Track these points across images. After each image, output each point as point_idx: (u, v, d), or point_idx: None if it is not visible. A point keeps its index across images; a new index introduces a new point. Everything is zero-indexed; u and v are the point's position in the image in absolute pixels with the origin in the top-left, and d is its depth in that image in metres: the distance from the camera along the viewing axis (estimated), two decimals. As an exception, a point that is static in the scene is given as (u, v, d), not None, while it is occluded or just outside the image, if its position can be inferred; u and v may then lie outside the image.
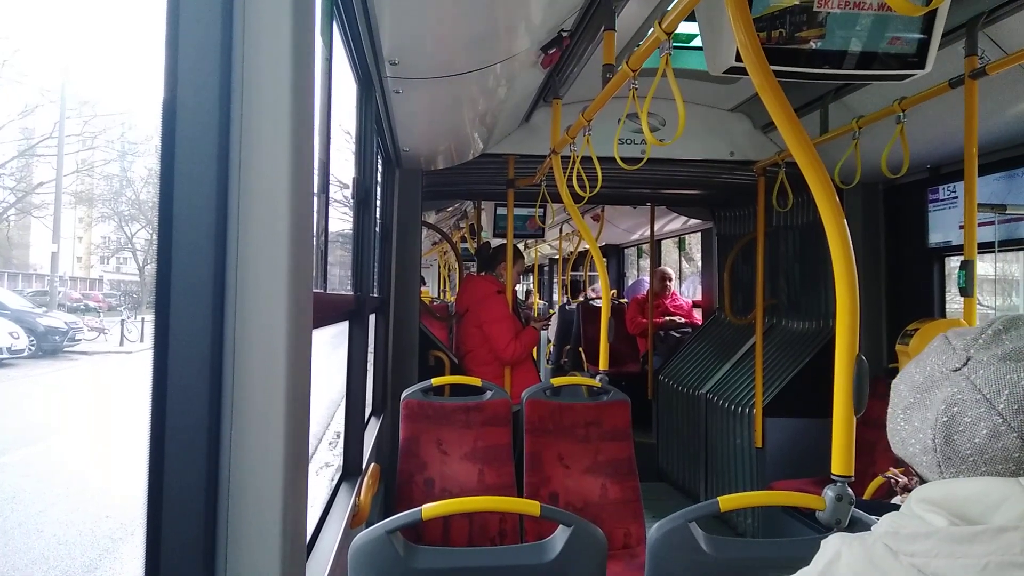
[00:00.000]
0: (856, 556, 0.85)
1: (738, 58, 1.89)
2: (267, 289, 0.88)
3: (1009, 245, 3.27)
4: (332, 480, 2.44)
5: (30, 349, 17.06)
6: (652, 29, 1.99)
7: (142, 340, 21.91)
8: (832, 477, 1.49)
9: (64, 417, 10.74)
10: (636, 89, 2.16)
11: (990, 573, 0.76)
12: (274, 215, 0.89)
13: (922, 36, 2.07)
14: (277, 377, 0.86)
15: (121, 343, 20.95)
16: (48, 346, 17.74)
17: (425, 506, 1.51)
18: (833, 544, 0.88)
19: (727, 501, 1.50)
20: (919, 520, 0.84)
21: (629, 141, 3.89)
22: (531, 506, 1.54)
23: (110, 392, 13.32)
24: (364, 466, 2.36)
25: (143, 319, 24.00)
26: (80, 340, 19.63)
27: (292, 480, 0.91)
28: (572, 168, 2.90)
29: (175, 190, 0.84)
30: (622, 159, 2.40)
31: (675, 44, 1.99)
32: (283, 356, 0.86)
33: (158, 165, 0.87)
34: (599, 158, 2.68)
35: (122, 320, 22.22)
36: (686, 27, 3.20)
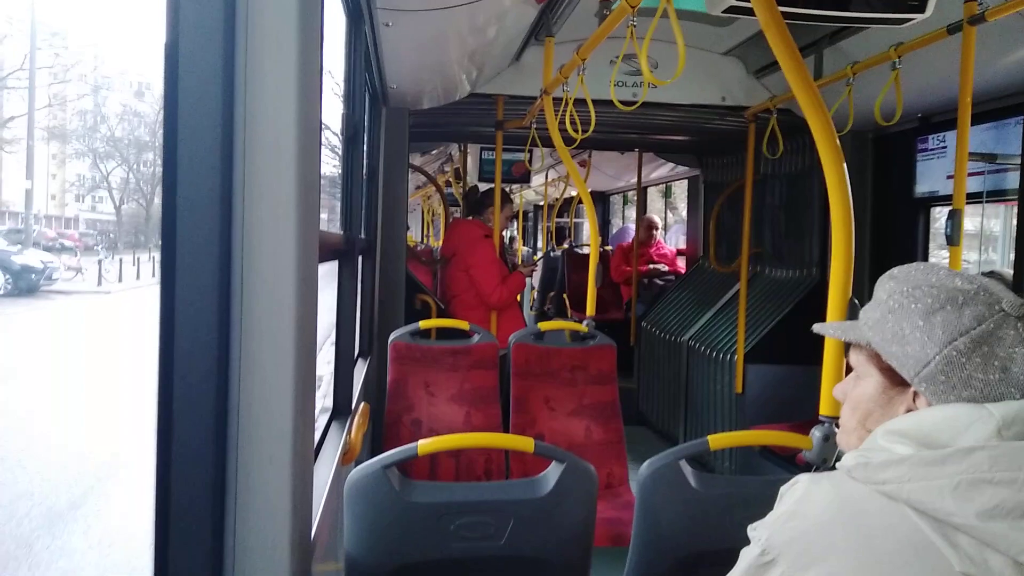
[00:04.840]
0: (825, 493, 0.87)
1: (738, -4, 1.85)
2: (274, 226, 0.87)
3: (996, 196, 3.29)
4: (319, 419, 2.45)
5: (6, 287, 16.87)
6: (653, -36, 1.94)
7: (120, 280, 21.71)
8: (820, 418, 1.52)
9: (44, 355, 10.68)
10: (635, 27, 2.11)
11: (962, 491, 0.78)
12: (280, 153, 0.88)
13: (924, -21, 2.04)
14: (286, 307, 0.86)
15: (99, 283, 20.74)
16: (24, 284, 17.54)
17: (421, 442, 1.53)
18: (800, 484, 0.90)
19: (717, 440, 1.53)
20: (886, 451, 0.86)
21: (620, 84, 3.83)
22: (525, 443, 1.56)
23: (90, 331, 13.23)
24: (353, 406, 2.38)
25: (120, 259, 23.74)
26: (57, 279, 19.41)
27: (301, 405, 0.91)
28: (565, 109, 2.86)
29: (179, 125, 0.83)
30: (614, 101, 2.36)
31: (670, -19, 1.94)
32: (291, 288, 0.86)
33: (162, 105, 0.85)
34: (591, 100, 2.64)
35: (99, 260, 21.95)
36: (683, -35, 3.12)
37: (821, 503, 0.86)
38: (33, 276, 17.90)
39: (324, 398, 2.53)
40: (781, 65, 1.52)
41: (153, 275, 23.53)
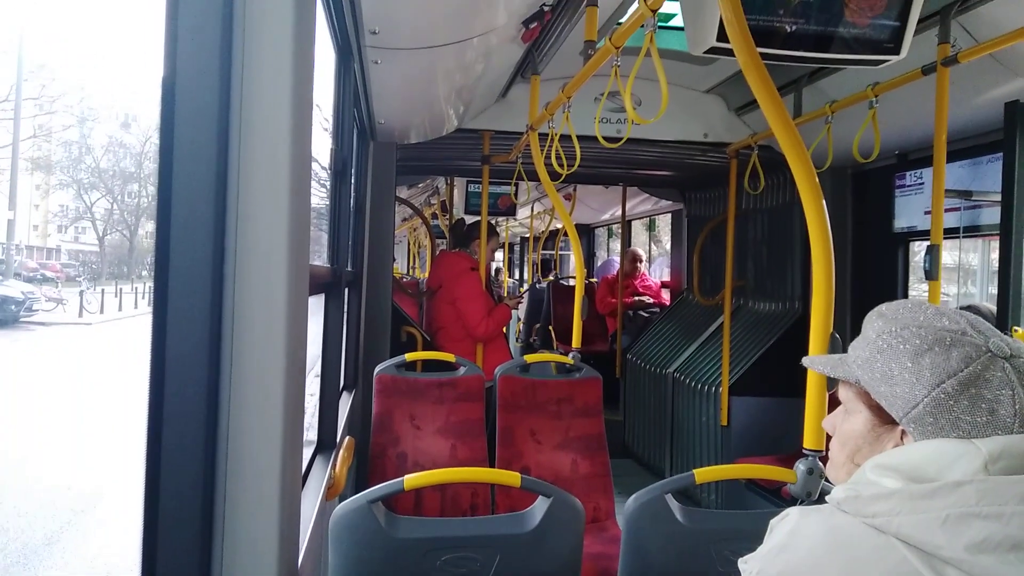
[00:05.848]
0: (815, 525, 0.88)
1: (719, 37, 1.90)
2: (266, 259, 0.88)
3: (972, 231, 3.36)
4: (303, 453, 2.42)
5: (-15, 319, 16.66)
6: (635, 5, 1.99)
7: (102, 312, 21.48)
8: (804, 451, 1.53)
9: (21, 386, 10.50)
10: (619, 67, 2.16)
11: (950, 525, 0.79)
12: (273, 188, 0.89)
13: (897, 23, 2.10)
14: (276, 340, 0.86)
15: (80, 314, 20.50)
16: (4, 316, 17.34)
17: (407, 477, 1.52)
18: (791, 517, 0.90)
19: (702, 474, 1.53)
20: (875, 485, 0.87)
21: (605, 120, 3.89)
22: (511, 477, 1.56)
23: (69, 362, 13.04)
24: (338, 439, 2.36)
25: (103, 290, 23.52)
26: (37, 311, 19.18)
27: (289, 438, 0.91)
28: (550, 145, 2.90)
29: (174, 158, 0.84)
30: (599, 138, 2.40)
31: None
32: (282, 321, 0.86)
33: (158, 137, 0.87)
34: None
35: (81, 291, 21.74)
36: (664, 6, 3.20)
37: (812, 536, 0.87)
38: (12, 307, 17.71)
39: (308, 431, 2.51)
40: (760, 105, 1.56)
41: (136, 307, 23.31)
